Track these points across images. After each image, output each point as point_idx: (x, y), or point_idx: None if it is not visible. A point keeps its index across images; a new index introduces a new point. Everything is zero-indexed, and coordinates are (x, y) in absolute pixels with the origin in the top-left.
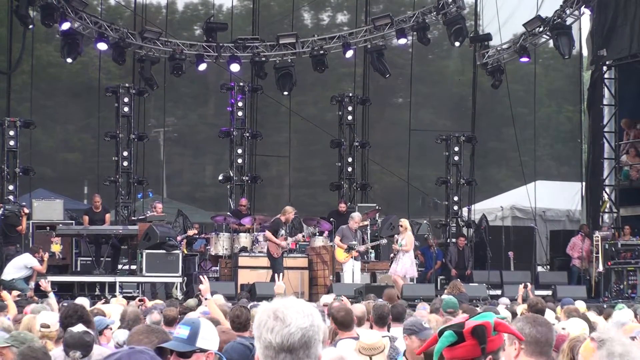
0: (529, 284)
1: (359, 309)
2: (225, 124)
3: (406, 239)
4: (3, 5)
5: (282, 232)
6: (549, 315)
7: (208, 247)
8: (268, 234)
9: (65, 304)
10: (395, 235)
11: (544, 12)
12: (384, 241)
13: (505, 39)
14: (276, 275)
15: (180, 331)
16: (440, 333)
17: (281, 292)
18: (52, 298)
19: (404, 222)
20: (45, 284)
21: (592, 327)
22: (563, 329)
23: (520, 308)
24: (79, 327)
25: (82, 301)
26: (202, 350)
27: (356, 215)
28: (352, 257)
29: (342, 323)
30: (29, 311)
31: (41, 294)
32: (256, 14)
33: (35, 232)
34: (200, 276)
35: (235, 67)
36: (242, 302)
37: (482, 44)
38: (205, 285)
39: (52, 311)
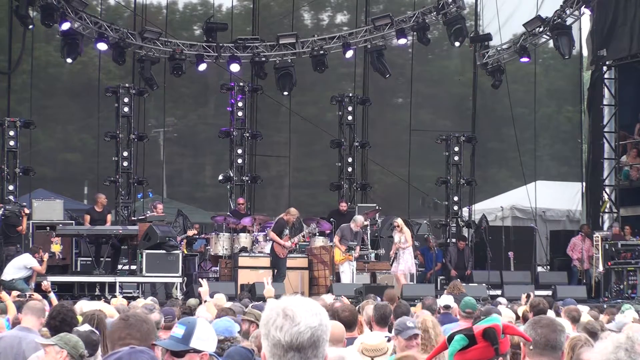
0: (531, 294)
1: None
2: (225, 124)
3: (405, 235)
4: (3, 5)
5: (286, 232)
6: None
7: (208, 247)
8: (272, 234)
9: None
10: (393, 235)
11: (544, 12)
12: (380, 250)
13: (505, 39)
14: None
15: (176, 330)
16: (450, 338)
17: (271, 295)
18: (53, 298)
19: (398, 220)
20: (47, 283)
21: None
22: None
23: (521, 309)
24: (85, 327)
25: (84, 303)
26: (196, 351)
27: (359, 219)
28: (347, 260)
29: (346, 323)
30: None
31: (43, 294)
32: (256, 14)
33: (35, 232)
34: (200, 279)
35: (235, 67)
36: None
37: (482, 44)
38: (204, 288)
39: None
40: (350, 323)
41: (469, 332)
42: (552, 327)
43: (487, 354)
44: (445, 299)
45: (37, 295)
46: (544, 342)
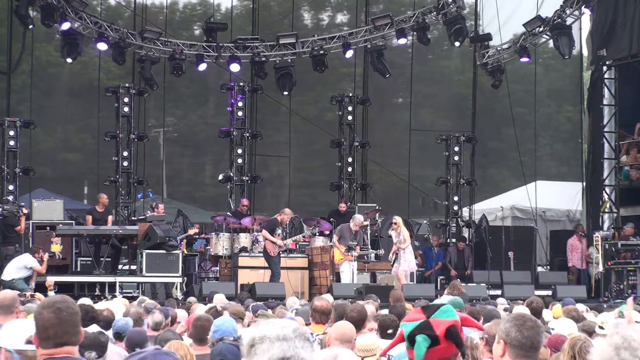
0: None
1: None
2: (225, 124)
3: (403, 234)
4: (3, 5)
5: (279, 231)
6: (546, 315)
7: (208, 247)
8: (264, 232)
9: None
10: (390, 233)
11: (544, 12)
12: (380, 250)
13: (505, 39)
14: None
15: None
16: (411, 337)
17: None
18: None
19: (397, 219)
20: (50, 282)
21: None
22: (552, 328)
23: (520, 309)
24: (94, 328)
25: (85, 301)
26: None
27: (358, 218)
28: (347, 260)
29: (354, 323)
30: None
31: (44, 293)
32: (256, 14)
33: (35, 232)
34: None
35: (235, 67)
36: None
37: (482, 44)
38: None
39: None
40: (358, 323)
41: (431, 331)
42: (537, 330)
43: (449, 352)
44: (446, 299)
45: (38, 295)
46: (530, 345)
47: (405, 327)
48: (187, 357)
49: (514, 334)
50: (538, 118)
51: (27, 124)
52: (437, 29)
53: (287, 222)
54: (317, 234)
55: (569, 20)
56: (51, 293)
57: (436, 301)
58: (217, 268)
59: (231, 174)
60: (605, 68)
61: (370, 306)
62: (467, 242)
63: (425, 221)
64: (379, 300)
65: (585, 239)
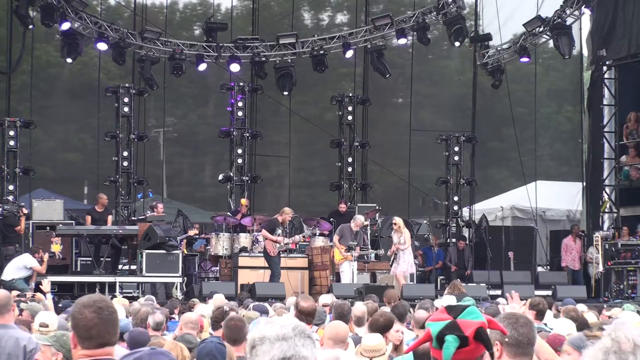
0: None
1: (359, 309)
2: (225, 124)
3: (404, 236)
4: (3, 5)
5: (279, 231)
6: (547, 316)
7: (208, 247)
8: (264, 232)
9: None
10: (392, 235)
11: (544, 12)
12: (380, 250)
13: (505, 39)
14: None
15: None
16: (441, 337)
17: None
18: (48, 299)
19: (398, 220)
20: (46, 284)
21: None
22: (551, 328)
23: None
24: None
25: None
26: None
27: (359, 219)
28: (347, 260)
29: (384, 328)
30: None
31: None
32: (256, 14)
33: (35, 232)
34: None
35: (235, 67)
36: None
37: (482, 44)
38: None
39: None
40: (384, 329)
41: (460, 332)
42: (530, 326)
43: (476, 354)
44: (447, 299)
45: (39, 295)
46: (526, 342)
47: (433, 327)
48: (180, 357)
49: (510, 332)
50: (538, 118)
51: (27, 124)
52: (437, 29)
53: (288, 221)
54: (317, 234)
55: (569, 20)
56: (49, 295)
57: (436, 300)
58: (217, 268)
59: (231, 174)
60: (605, 68)
61: (365, 306)
62: (467, 242)
63: (425, 221)
64: (378, 301)
65: (580, 239)
